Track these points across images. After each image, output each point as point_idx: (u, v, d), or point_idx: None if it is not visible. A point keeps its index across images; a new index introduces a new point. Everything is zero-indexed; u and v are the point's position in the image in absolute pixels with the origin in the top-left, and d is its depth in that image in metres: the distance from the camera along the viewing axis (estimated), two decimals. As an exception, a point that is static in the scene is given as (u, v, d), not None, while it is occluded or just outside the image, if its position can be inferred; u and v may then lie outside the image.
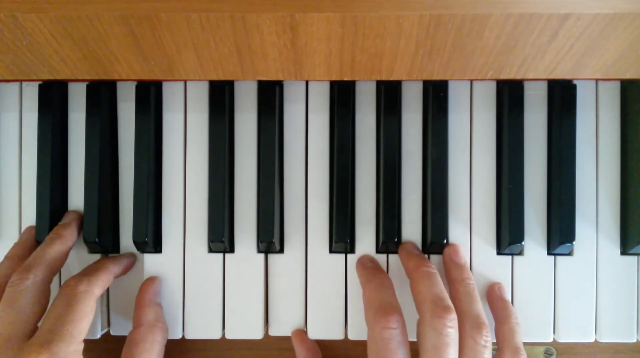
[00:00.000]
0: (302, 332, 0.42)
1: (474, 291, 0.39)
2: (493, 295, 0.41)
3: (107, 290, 0.42)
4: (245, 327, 0.42)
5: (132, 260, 0.42)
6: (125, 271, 0.42)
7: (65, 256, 0.40)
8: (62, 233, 0.40)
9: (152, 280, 0.41)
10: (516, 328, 0.39)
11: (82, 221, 0.42)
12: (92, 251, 0.42)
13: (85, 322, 0.36)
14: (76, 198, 0.42)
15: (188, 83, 0.42)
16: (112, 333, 0.42)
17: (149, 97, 0.41)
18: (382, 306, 0.36)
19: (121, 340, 0.41)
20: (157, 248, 0.42)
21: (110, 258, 0.41)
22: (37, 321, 0.36)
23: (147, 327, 0.39)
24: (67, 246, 0.40)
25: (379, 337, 0.35)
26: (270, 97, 0.41)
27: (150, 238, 0.41)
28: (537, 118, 0.42)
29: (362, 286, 0.39)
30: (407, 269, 0.40)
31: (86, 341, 0.42)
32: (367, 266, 0.40)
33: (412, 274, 0.39)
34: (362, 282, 0.40)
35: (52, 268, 0.38)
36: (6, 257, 0.40)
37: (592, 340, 0.42)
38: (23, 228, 0.42)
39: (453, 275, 0.40)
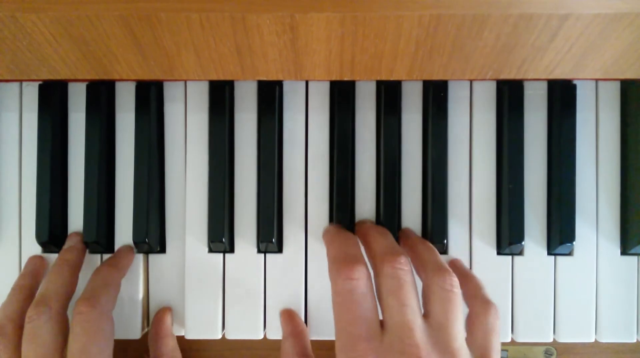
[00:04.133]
0: (291, 311, 0.41)
1: (433, 247, 0.38)
2: (452, 267, 0.40)
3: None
4: (245, 327, 0.41)
5: (131, 257, 0.41)
6: (127, 270, 0.41)
7: (75, 280, 0.39)
8: (69, 258, 0.40)
9: (167, 310, 0.41)
10: (480, 283, 0.37)
11: (84, 242, 0.41)
12: (92, 251, 0.42)
13: (109, 347, 0.36)
14: (76, 197, 0.42)
15: (188, 83, 0.42)
16: None
17: (149, 97, 0.41)
18: (344, 258, 0.34)
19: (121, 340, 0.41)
20: (157, 248, 0.42)
21: (112, 265, 0.40)
22: (63, 350, 0.36)
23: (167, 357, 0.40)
24: (77, 270, 0.40)
25: (342, 289, 0.32)
26: (270, 97, 0.41)
27: (150, 239, 0.41)
28: (537, 118, 0.42)
29: (327, 247, 0.38)
30: (359, 236, 0.39)
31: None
32: (332, 230, 0.39)
33: (365, 238, 0.38)
34: (326, 244, 0.38)
35: (66, 295, 0.38)
36: (14, 289, 0.39)
37: (592, 340, 0.42)
38: (22, 228, 0.42)
39: (410, 242, 0.39)
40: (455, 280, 0.34)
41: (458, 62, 0.35)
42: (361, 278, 0.33)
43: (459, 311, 0.33)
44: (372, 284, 0.33)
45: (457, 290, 0.33)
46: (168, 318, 0.41)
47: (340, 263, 0.33)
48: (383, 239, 0.36)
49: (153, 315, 0.42)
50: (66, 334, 0.36)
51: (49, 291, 0.37)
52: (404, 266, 0.33)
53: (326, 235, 0.40)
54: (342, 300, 0.32)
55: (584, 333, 0.41)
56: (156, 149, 0.42)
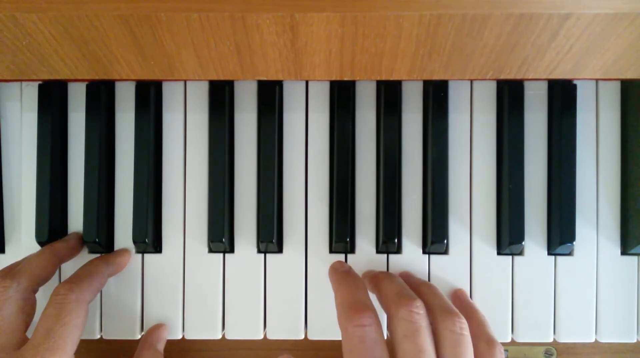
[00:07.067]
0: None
1: (436, 289, 0.38)
2: (456, 300, 0.41)
3: (100, 293, 0.42)
4: (245, 327, 0.42)
5: (127, 256, 0.42)
6: (120, 268, 0.41)
7: (54, 267, 0.39)
8: (56, 245, 0.40)
9: (157, 326, 0.41)
10: (484, 320, 0.38)
11: (82, 241, 0.42)
12: (91, 251, 0.42)
13: (75, 334, 0.35)
14: (76, 197, 0.42)
15: (188, 83, 0.42)
16: (104, 337, 0.42)
17: (149, 97, 0.41)
18: (353, 305, 0.34)
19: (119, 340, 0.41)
20: (156, 248, 0.42)
21: (103, 258, 0.41)
22: (25, 330, 0.36)
23: None
24: (59, 259, 0.39)
25: (353, 336, 0.32)
26: (270, 97, 0.41)
27: (150, 238, 0.41)
28: (537, 118, 0.42)
29: (334, 291, 0.37)
30: (368, 281, 0.39)
31: (85, 341, 0.42)
32: (339, 271, 0.39)
33: (375, 282, 0.38)
34: (334, 287, 0.38)
35: (37, 277, 0.37)
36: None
37: (593, 340, 0.42)
38: (22, 228, 0.42)
39: (412, 281, 0.39)
40: (464, 323, 0.34)
41: (458, 62, 0.35)
42: (372, 324, 0.33)
43: (470, 352, 0.34)
44: (382, 330, 0.34)
45: (467, 333, 0.34)
46: (153, 333, 0.41)
47: (349, 310, 0.33)
48: (394, 282, 0.37)
49: (146, 315, 0.42)
50: (31, 314, 0.36)
51: (22, 268, 0.37)
52: (420, 310, 0.34)
53: (332, 275, 0.39)
54: (353, 347, 0.32)
55: (584, 333, 0.41)
56: (155, 149, 0.42)
